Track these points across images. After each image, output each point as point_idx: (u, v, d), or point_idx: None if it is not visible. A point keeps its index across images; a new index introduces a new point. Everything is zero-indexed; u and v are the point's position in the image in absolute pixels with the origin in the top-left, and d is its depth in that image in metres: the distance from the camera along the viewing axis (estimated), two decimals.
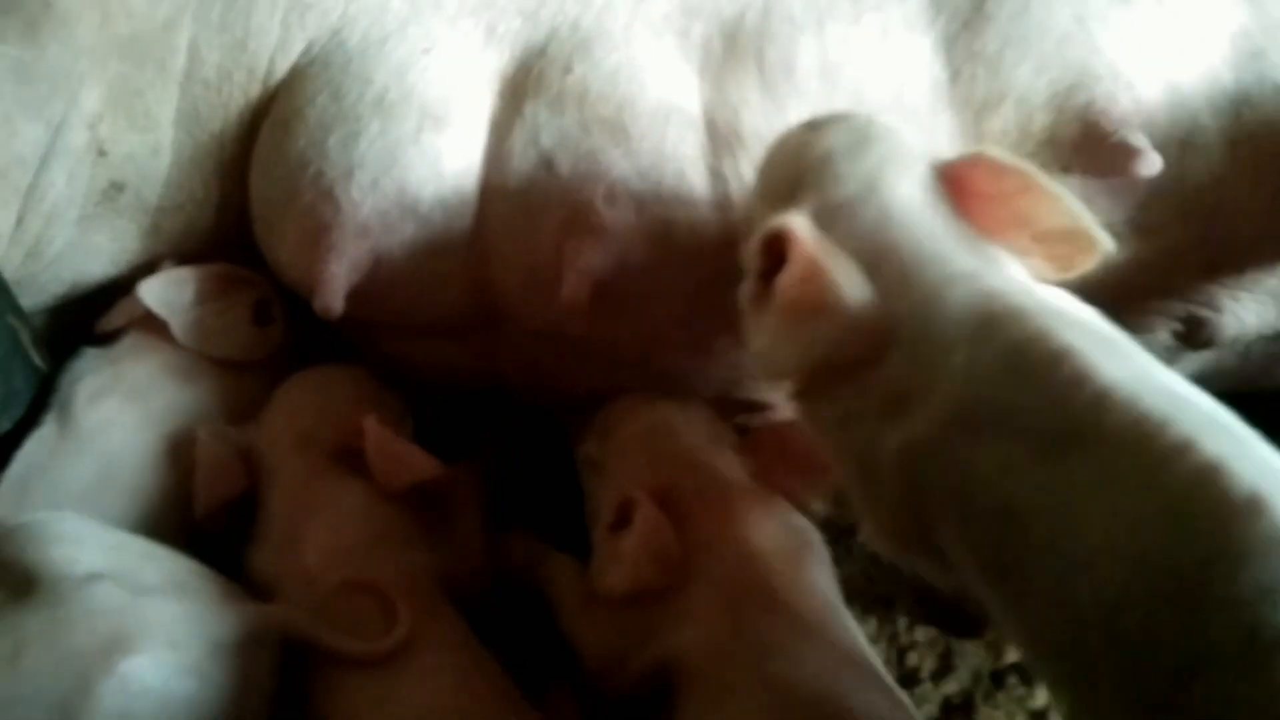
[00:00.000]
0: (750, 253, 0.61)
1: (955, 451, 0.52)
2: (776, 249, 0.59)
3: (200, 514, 0.76)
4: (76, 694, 0.57)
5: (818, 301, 0.57)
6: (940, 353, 0.54)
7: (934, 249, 0.57)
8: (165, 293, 0.83)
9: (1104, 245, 0.57)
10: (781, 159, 0.66)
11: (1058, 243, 0.58)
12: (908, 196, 0.59)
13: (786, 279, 0.58)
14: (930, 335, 0.55)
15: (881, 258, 0.57)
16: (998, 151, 0.58)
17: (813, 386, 0.62)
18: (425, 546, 0.75)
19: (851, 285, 0.56)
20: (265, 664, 0.65)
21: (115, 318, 0.86)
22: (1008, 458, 0.50)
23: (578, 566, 0.75)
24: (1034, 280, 0.58)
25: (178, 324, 0.83)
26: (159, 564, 0.67)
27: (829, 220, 0.59)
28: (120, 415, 0.80)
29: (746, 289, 0.63)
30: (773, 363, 0.63)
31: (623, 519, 0.71)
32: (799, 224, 0.58)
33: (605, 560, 0.72)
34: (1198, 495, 0.43)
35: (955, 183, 0.60)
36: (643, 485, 0.72)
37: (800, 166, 0.63)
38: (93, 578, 0.62)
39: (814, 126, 0.65)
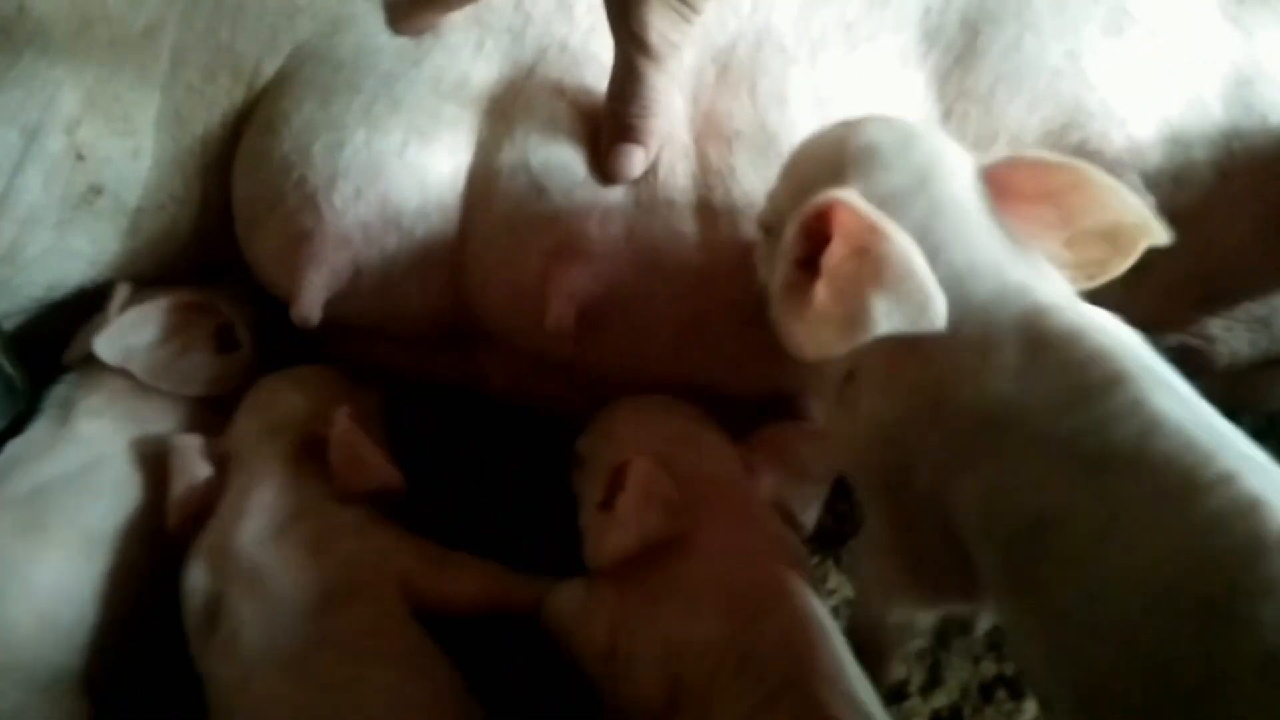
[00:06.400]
0: (786, 239, 0.56)
1: (991, 457, 0.51)
2: (818, 231, 0.54)
3: (172, 525, 0.75)
4: None
5: (875, 270, 0.52)
6: (987, 361, 0.53)
7: (985, 256, 0.55)
8: (123, 341, 0.81)
9: (1160, 235, 0.55)
10: (817, 152, 0.62)
11: (1095, 245, 0.57)
12: (959, 195, 0.57)
13: (838, 250, 0.53)
14: (979, 342, 0.53)
15: (932, 256, 0.53)
16: (1040, 151, 0.56)
17: (861, 380, 0.58)
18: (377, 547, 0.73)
19: (914, 251, 0.52)
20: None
21: (77, 349, 0.85)
22: (1045, 471, 0.49)
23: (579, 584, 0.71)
24: (1076, 295, 0.56)
25: (139, 368, 0.81)
26: None
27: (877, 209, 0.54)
28: (114, 436, 0.79)
29: (780, 280, 0.57)
30: (819, 348, 0.56)
31: (613, 492, 0.68)
32: (847, 194, 0.53)
33: (601, 533, 0.68)
34: (1234, 526, 0.44)
35: (995, 186, 0.58)
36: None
37: (842, 157, 0.58)
38: None
39: (850, 123, 0.61)
